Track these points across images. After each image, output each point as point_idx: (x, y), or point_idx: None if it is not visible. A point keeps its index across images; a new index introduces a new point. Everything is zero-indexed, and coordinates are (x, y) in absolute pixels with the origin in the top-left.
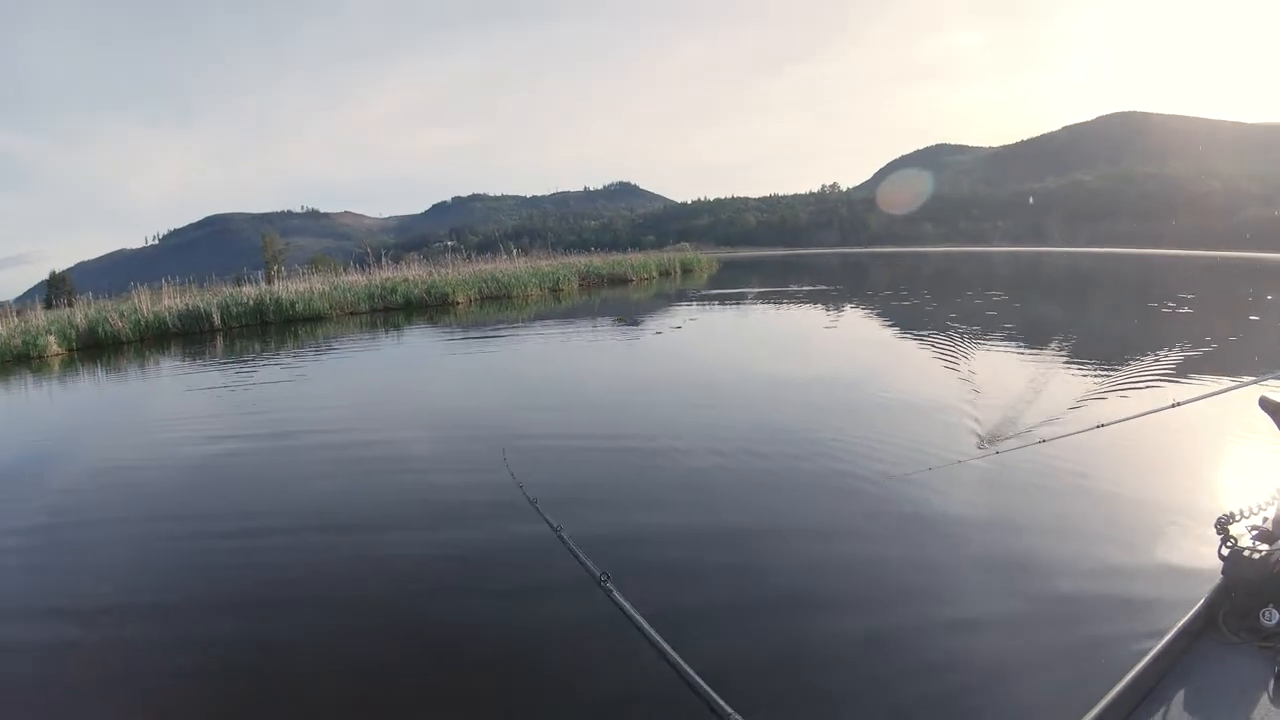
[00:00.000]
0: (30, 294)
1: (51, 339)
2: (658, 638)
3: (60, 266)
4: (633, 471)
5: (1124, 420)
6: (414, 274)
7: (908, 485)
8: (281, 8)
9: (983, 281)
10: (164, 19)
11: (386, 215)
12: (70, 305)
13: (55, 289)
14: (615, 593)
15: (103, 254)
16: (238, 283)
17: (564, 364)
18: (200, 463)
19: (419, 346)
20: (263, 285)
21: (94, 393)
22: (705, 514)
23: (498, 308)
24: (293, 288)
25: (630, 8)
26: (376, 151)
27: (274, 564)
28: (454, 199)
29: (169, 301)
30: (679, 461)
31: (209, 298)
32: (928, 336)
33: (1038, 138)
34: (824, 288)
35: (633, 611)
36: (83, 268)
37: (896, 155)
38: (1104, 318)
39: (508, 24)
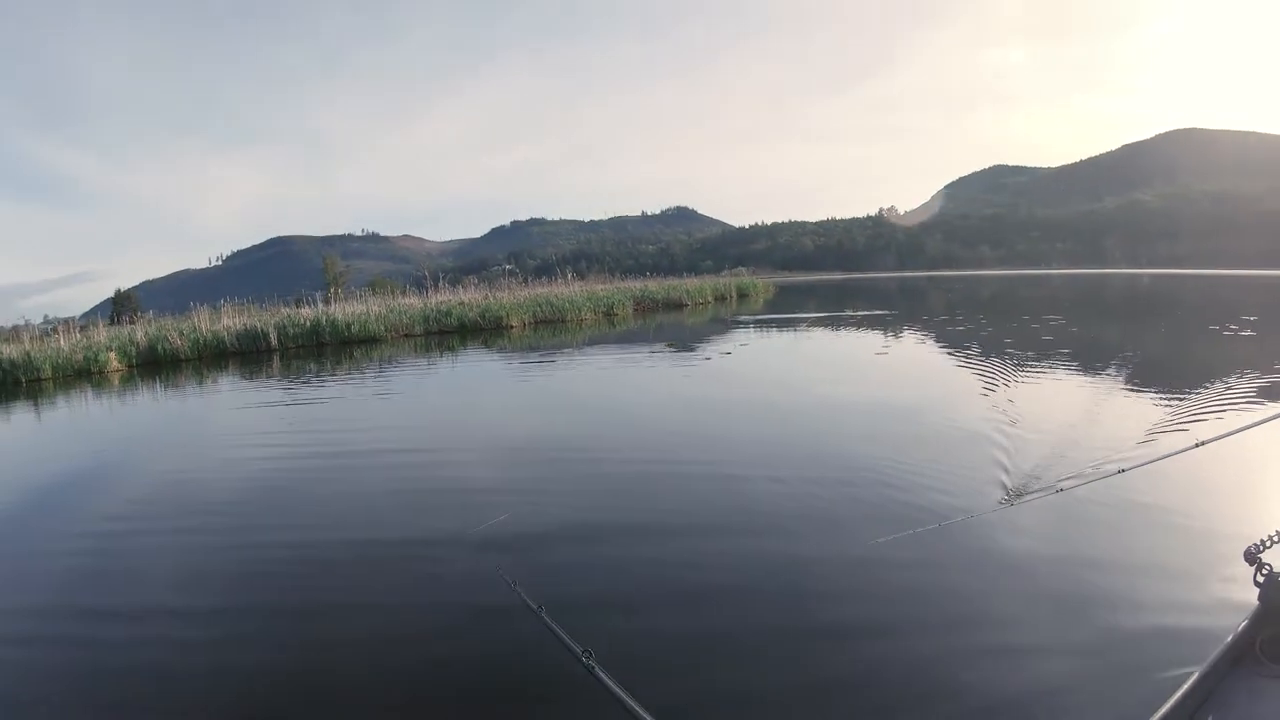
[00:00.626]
0: (94, 311)
1: (112, 355)
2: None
3: (126, 285)
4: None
5: (1149, 463)
6: (469, 297)
7: (924, 540)
8: (341, 34)
9: (1040, 305)
10: (226, 45)
11: (446, 239)
12: (132, 323)
13: (119, 306)
14: (598, 670)
15: (168, 273)
16: (297, 304)
17: (608, 389)
18: (252, 476)
19: (470, 370)
20: (320, 307)
21: (153, 407)
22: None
23: (551, 332)
24: (348, 310)
25: (688, 32)
26: (436, 176)
27: (307, 573)
28: (512, 223)
29: (228, 321)
30: (688, 478)
31: (266, 318)
32: (978, 364)
33: (1097, 157)
34: (880, 312)
35: (621, 692)
36: (147, 286)
37: (954, 177)
38: (1162, 343)
39: (566, 47)
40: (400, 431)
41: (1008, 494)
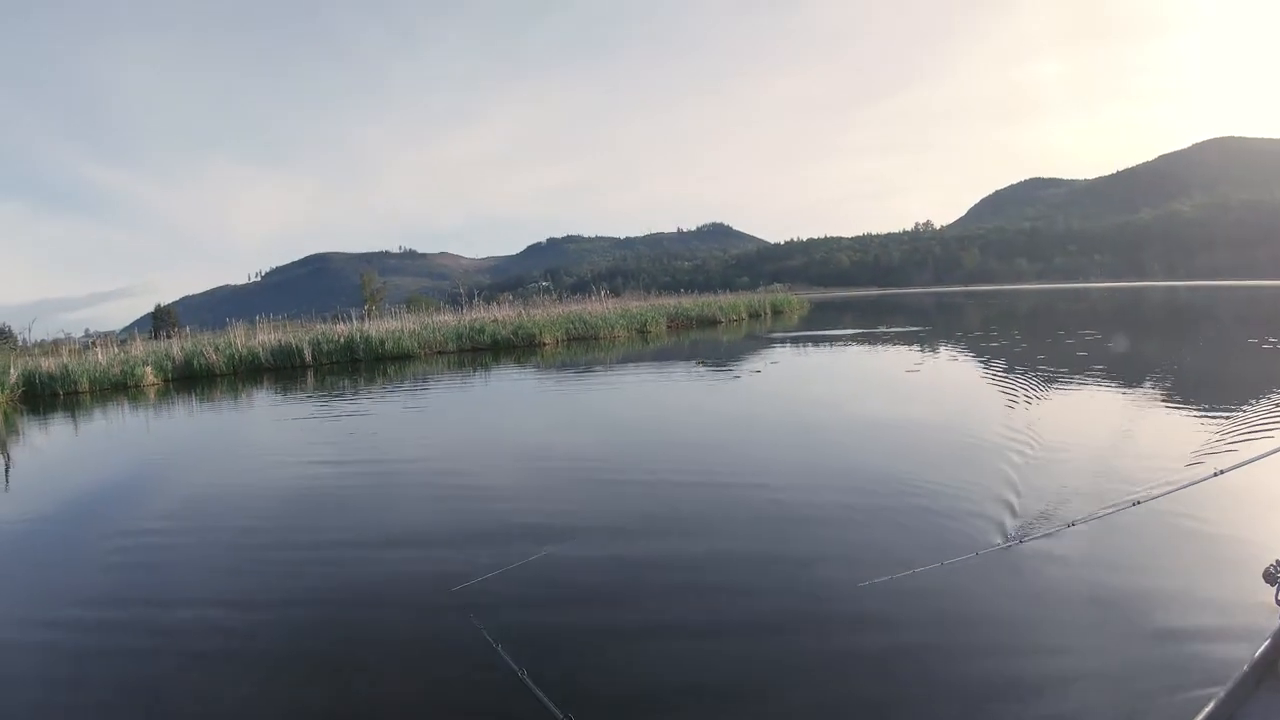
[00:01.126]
0: (135, 325)
1: (148, 369)
2: None
3: (167, 300)
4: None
5: (1166, 494)
6: (503, 315)
7: (944, 567)
8: (377, 53)
9: (1077, 320)
10: (266, 64)
11: (483, 256)
12: (170, 338)
13: (159, 321)
14: None
15: (208, 289)
16: (333, 320)
17: (634, 408)
18: (282, 486)
19: (499, 387)
20: (354, 323)
21: (186, 421)
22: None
23: (584, 349)
24: (382, 326)
25: (723, 48)
26: (473, 193)
27: (333, 575)
28: (548, 240)
29: (263, 337)
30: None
31: (301, 334)
32: (1008, 382)
33: (1134, 168)
34: (915, 329)
35: None
36: (187, 301)
37: (990, 191)
38: (1198, 357)
39: (601, 65)
40: (420, 448)
41: (1018, 529)
